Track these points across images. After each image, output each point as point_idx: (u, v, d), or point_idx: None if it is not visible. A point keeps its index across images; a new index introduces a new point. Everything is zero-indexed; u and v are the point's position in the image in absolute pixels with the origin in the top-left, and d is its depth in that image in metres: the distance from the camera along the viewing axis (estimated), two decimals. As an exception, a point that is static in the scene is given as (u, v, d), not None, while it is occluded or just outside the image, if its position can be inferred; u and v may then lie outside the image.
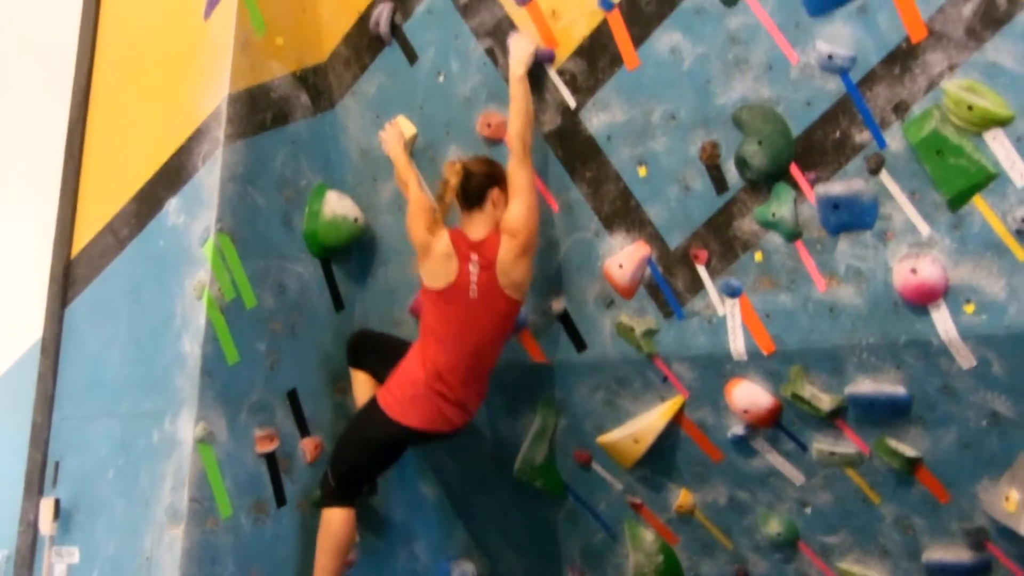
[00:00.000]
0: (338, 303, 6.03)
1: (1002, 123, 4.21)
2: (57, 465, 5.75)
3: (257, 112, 5.68)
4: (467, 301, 5.14)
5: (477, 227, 5.19)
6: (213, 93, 5.59)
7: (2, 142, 6.47)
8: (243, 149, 5.57)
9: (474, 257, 5.13)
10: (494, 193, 5.19)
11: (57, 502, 5.64)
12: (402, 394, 5.24)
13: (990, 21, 4.20)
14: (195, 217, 5.52)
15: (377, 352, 5.72)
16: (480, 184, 5.17)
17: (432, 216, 5.30)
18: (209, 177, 5.51)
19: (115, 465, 5.54)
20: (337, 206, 5.89)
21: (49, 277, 5.97)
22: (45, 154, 6.15)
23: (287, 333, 5.71)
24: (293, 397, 5.71)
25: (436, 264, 5.18)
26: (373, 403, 5.34)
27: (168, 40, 5.92)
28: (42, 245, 6.03)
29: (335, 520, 5.39)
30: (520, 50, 5.27)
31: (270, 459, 5.54)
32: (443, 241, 5.17)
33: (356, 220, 5.92)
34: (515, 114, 5.19)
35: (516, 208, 5.11)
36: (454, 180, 5.17)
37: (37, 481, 5.75)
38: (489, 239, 5.14)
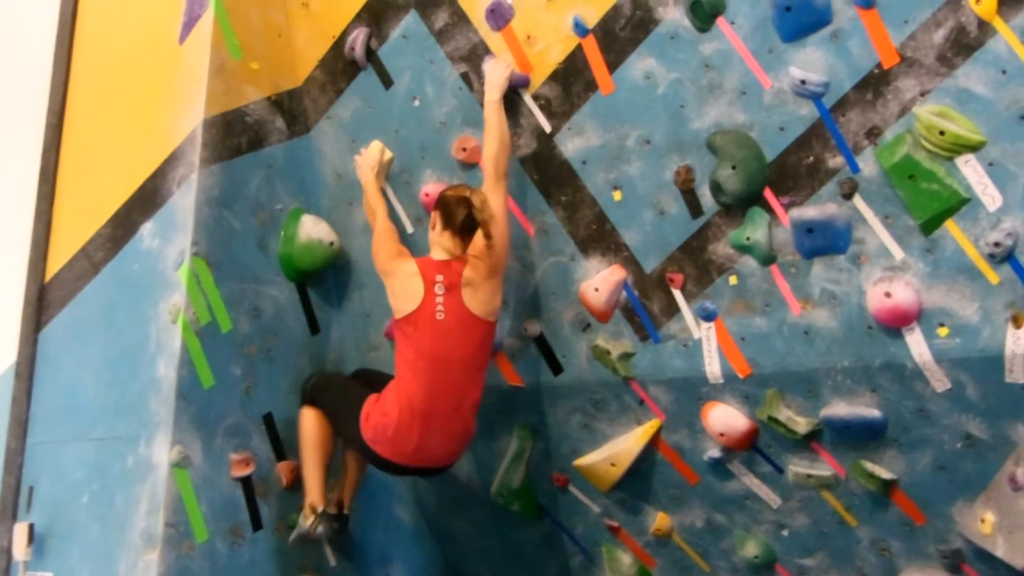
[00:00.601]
0: (314, 327, 6.01)
1: (974, 148, 4.24)
2: (31, 490, 5.73)
3: (232, 136, 5.67)
4: (434, 324, 5.06)
5: (447, 249, 5.15)
6: (188, 117, 5.59)
7: (-26, 167, 6.46)
8: (218, 173, 5.56)
9: (439, 278, 5.08)
10: (468, 236, 5.17)
11: (31, 527, 5.62)
12: (382, 432, 5.14)
13: (961, 47, 4.24)
14: (170, 241, 5.51)
15: (337, 394, 5.67)
16: (480, 210, 5.07)
17: (398, 245, 5.34)
18: (184, 201, 5.49)
19: (90, 489, 5.51)
20: (312, 230, 5.87)
21: (23, 301, 5.96)
22: (19, 177, 6.14)
23: (263, 357, 5.69)
24: (269, 421, 5.69)
25: (400, 285, 5.14)
26: (360, 420, 5.26)
27: (143, 64, 5.92)
28: (16, 268, 6.02)
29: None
30: (495, 75, 5.27)
31: (246, 483, 5.52)
32: (408, 265, 5.14)
33: (331, 244, 5.90)
34: (489, 139, 5.19)
35: (504, 222, 5.13)
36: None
37: (11, 506, 5.73)
38: (454, 261, 5.11)
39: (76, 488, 5.56)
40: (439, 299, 5.06)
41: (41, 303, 5.95)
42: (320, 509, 5.44)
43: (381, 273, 5.33)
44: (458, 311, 5.05)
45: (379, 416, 5.12)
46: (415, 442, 5.07)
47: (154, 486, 5.24)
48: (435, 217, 5.22)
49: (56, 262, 5.96)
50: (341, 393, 5.51)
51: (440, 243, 5.17)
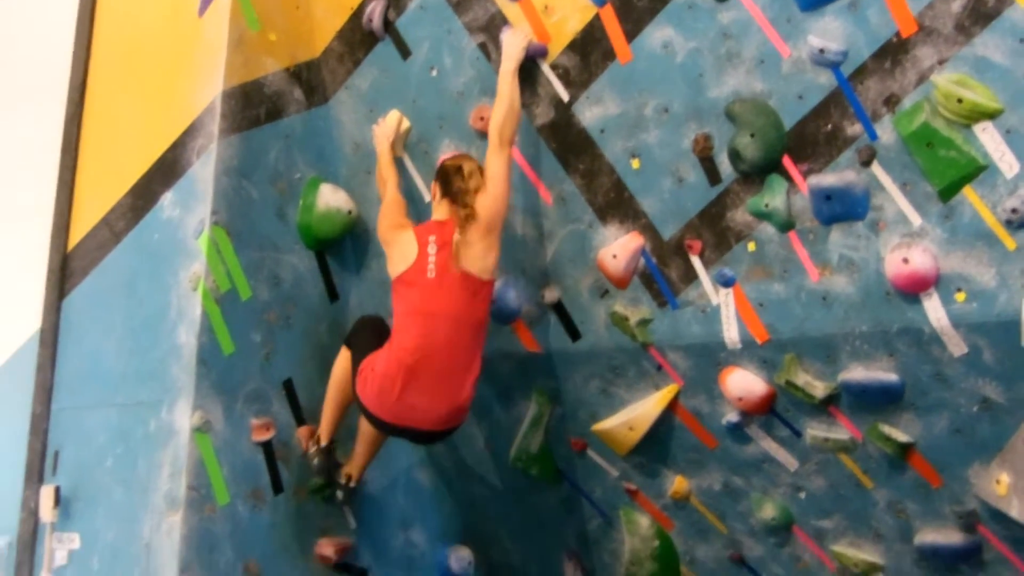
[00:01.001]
0: (332, 294, 6.03)
1: (991, 116, 4.25)
2: (57, 454, 5.75)
3: (251, 107, 5.67)
4: (425, 281, 5.07)
5: (443, 211, 5.18)
6: (207, 89, 5.60)
7: (1, 137, 6.44)
8: (237, 143, 5.57)
9: (432, 238, 5.10)
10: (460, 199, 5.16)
11: (57, 490, 5.64)
12: (370, 387, 5.15)
13: (979, 16, 4.24)
14: (190, 210, 5.52)
15: (361, 340, 5.67)
16: (464, 173, 5.17)
17: (402, 217, 5.39)
18: (204, 171, 5.50)
19: (113, 454, 5.53)
20: (331, 199, 5.88)
21: (47, 269, 5.97)
22: (42, 149, 6.14)
23: (282, 324, 5.71)
24: (289, 387, 5.71)
25: (397, 250, 5.20)
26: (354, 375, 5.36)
27: (163, 36, 5.92)
28: (40, 238, 6.03)
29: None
30: (512, 46, 5.28)
31: (266, 447, 5.55)
32: (406, 233, 5.18)
33: (350, 212, 5.92)
34: (498, 106, 5.20)
35: (484, 195, 5.12)
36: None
37: (37, 469, 5.75)
38: (449, 220, 5.13)
39: (100, 452, 5.58)
40: (431, 257, 5.07)
41: (64, 272, 5.96)
42: (323, 444, 5.55)
43: (382, 242, 5.39)
44: (448, 267, 5.04)
45: (368, 370, 5.16)
46: (395, 396, 5.05)
47: (176, 450, 5.26)
48: (434, 186, 5.29)
49: (78, 232, 5.97)
50: (364, 340, 5.51)
51: (439, 209, 5.22)
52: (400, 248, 5.17)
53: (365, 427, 5.50)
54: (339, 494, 5.56)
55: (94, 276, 5.87)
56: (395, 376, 5.03)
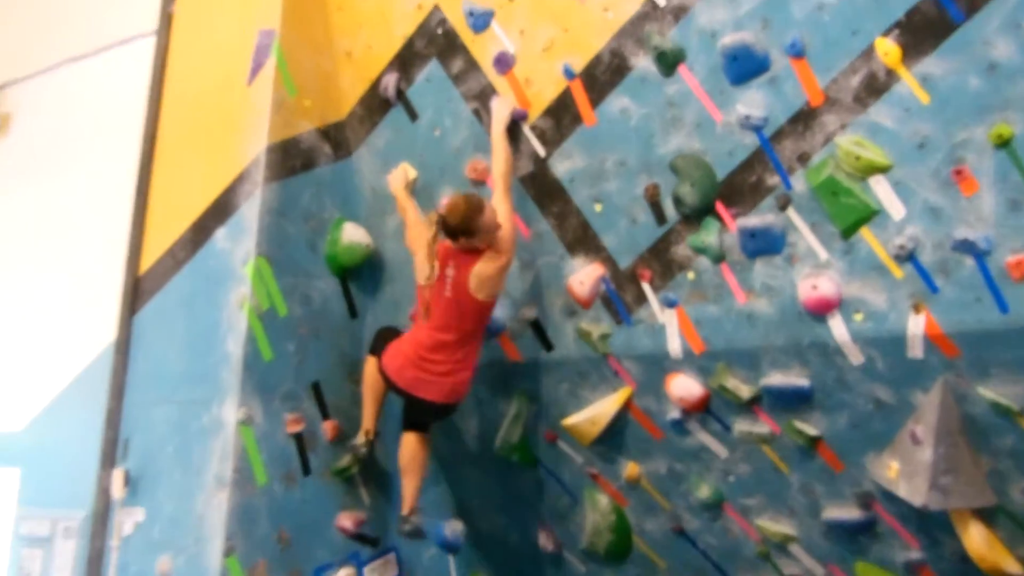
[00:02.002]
0: (353, 312, 6.03)
1: (883, 170, 4.29)
2: (127, 442, 5.70)
3: (289, 159, 5.70)
4: (443, 297, 5.10)
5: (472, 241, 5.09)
6: (254, 144, 5.63)
7: (87, 182, 6.44)
8: (278, 189, 5.60)
9: (452, 263, 5.09)
10: (462, 239, 5.03)
11: (127, 472, 5.60)
12: (394, 362, 5.25)
13: (873, 90, 4.29)
14: (238, 243, 5.55)
15: (382, 341, 5.66)
16: (455, 232, 5.02)
17: (421, 227, 5.37)
18: (250, 211, 5.54)
19: (173, 442, 5.51)
20: (353, 235, 5.90)
21: (121, 291, 5.95)
22: (118, 191, 6.13)
23: (312, 336, 5.71)
24: (316, 388, 5.71)
25: (421, 263, 5.19)
26: (377, 360, 5.45)
27: (218, 100, 5.93)
28: (116, 264, 6.01)
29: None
30: (499, 112, 5.31)
31: (298, 438, 5.55)
32: (430, 247, 5.13)
33: (368, 246, 5.94)
34: (496, 161, 5.21)
35: (501, 240, 5.07)
36: (430, 232, 5.12)
37: (110, 455, 5.69)
38: (470, 253, 5.07)
39: (162, 441, 5.56)
40: (449, 280, 5.08)
41: (136, 292, 5.93)
42: (371, 436, 5.58)
43: (410, 250, 5.43)
44: (463, 292, 5.05)
45: (394, 350, 5.29)
46: (400, 361, 5.20)
47: (224, 440, 5.28)
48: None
49: (148, 260, 5.96)
50: (383, 340, 5.54)
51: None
52: (423, 257, 5.18)
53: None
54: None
55: (160, 296, 5.87)
56: (406, 352, 5.18)
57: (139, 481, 5.63)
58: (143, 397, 5.77)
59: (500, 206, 5.11)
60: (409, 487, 5.47)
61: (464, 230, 4.98)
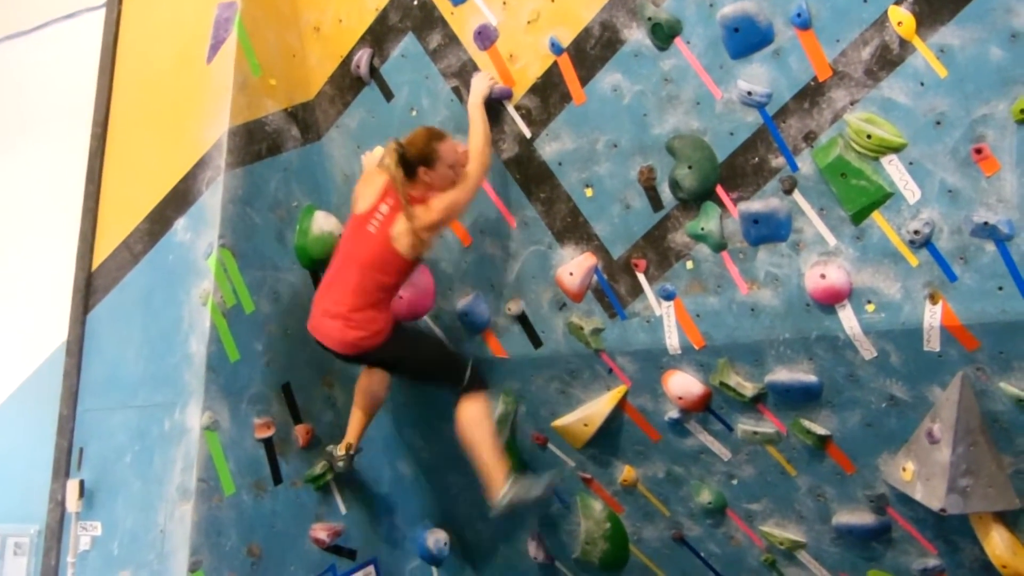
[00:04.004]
0: (325, 308, 5.98)
1: (896, 149, 4.27)
2: (81, 451, 5.69)
3: (253, 143, 5.66)
4: (365, 231, 5.03)
5: (413, 188, 5.04)
6: (215, 127, 5.58)
7: (32, 169, 6.41)
8: (242, 175, 5.55)
9: (389, 201, 5.02)
10: (420, 171, 5.01)
11: (82, 483, 5.58)
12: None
13: (885, 63, 4.26)
14: (200, 234, 5.50)
15: None
16: (411, 162, 5.00)
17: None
18: (212, 199, 5.49)
19: (132, 450, 5.49)
20: (324, 224, 5.86)
21: (73, 287, 5.92)
22: (68, 179, 6.09)
23: (281, 334, 5.67)
24: (287, 390, 5.67)
25: (363, 188, 5.19)
26: None
27: (175, 81, 5.89)
28: (67, 259, 5.97)
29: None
30: (478, 84, 5.26)
31: (267, 444, 5.51)
32: (379, 179, 5.10)
33: (340, 236, 5.89)
34: (473, 135, 5.15)
35: (444, 196, 5.00)
36: (388, 159, 5.05)
37: (64, 465, 5.69)
38: (414, 199, 5.00)
39: (120, 449, 5.53)
40: (379, 216, 5.02)
41: (88, 289, 5.90)
42: (352, 451, 5.48)
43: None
44: (383, 235, 4.98)
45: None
46: (320, 323, 5.12)
47: (188, 447, 5.23)
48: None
49: (101, 253, 5.91)
50: None
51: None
52: (366, 183, 5.19)
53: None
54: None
55: (115, 293, 5.82)
56: (320, 303, 5.15)
57: (96, 493, 5.59)
58: (98, 402, 5.73)
59: (467, 175, 5.06)
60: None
61: (423, 157, 4.98)
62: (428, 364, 5.37)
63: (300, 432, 5.68)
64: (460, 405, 5.22)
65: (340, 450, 5.52)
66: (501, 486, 5.08)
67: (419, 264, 5.22)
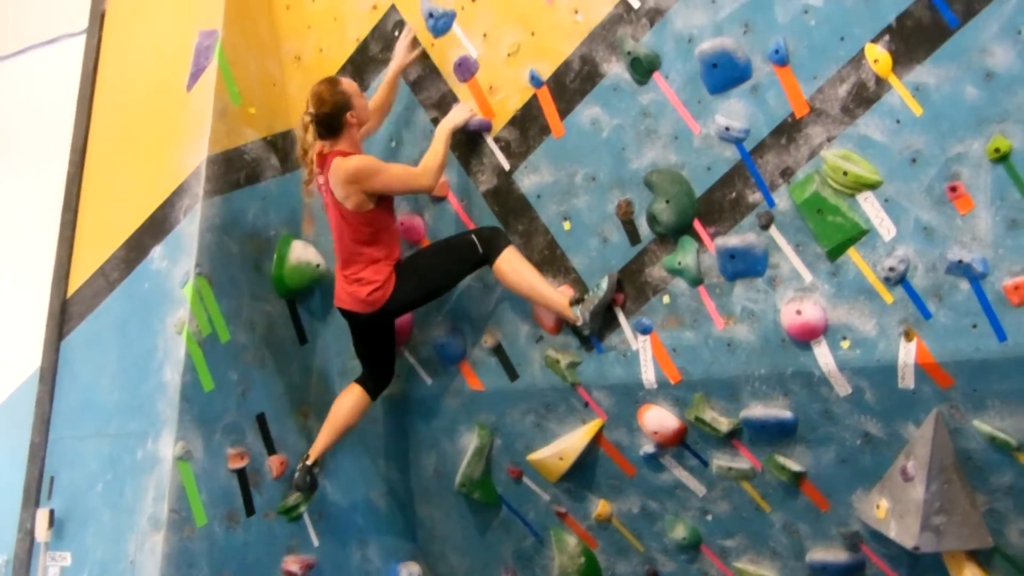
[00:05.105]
0: (302, 338, 5.99)
1: (872, 187, 4.28)
2: (52, 479, 5.68)
3: (232, 172, 5.67)
4: (327, 203, 5.17)
5: (338, 145, 5.11)
6: (194, 155, 5.60)
7: (9, 194, 6.42)
8: (220, 204, 5.56)
9: (322, 169, 5.10)
10: (346, 116, 5.06)
11: (52, 512, 5.57)
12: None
13: (862, 100, 4.29)
14: (176, 262, 5.50)
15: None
16: (332, 114, 5.05)
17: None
18: (189, 228, 5.49)
19: (103, 479, 5.48)
20: (301, 254, 5.87)
21: (47, 314, 5.91)
22: (45, 205, 6.10)
23: (257, 364, 5.68)
24: (262, 420, 5.67)
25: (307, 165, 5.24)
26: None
27: (155, 107, 5.91)
28: (42, 285, 5.97)
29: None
30: (456, 113, 5.30)
31: (240, 474, 5.50)
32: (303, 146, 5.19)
33: (318, 266, 5.90)
34: (430, 151, 5.15)
35: (366, 156, 5.12)
36: (307, 119, 5.08)
37: (34, 493, 5.68)
38: (332, 155, 5.06)
39: (92, 478, 5.52)
40: (324, 185, 5.13)
41: (63, 316, 5.91)
42: (308, 462, 5.38)
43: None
44: (333, 198, 5.09)
45: None
46: (340, 288, 5.24)
47: (160, 477, 5.22)
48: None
49: (77, 280, 5.92)
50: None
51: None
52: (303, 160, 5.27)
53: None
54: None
55: (90, 320, 5.82)
56: (337, 272, 5.29)
57: (66, 522, 5.58)
58: (71, 430, 5.73)
59: (407, 168, 5.17)
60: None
61: (340, 105, 5.05)
62: (445, 274, 5.31)
63: (274, 463, 5.66)
64: (495, 270, 5.19)
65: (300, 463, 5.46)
66: (572, 314, 5.05)
67: (387, 211, 5.21)
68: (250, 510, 5.52)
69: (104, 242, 5.87)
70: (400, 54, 5.45)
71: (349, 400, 5.46)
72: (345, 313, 5.29)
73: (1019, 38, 3.93)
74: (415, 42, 5.48)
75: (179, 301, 5.41)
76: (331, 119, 5.06)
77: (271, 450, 5.69)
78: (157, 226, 5.66)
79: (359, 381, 5.50)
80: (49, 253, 6.00)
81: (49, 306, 5.93)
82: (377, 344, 5.45)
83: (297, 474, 5.40)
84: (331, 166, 5.01)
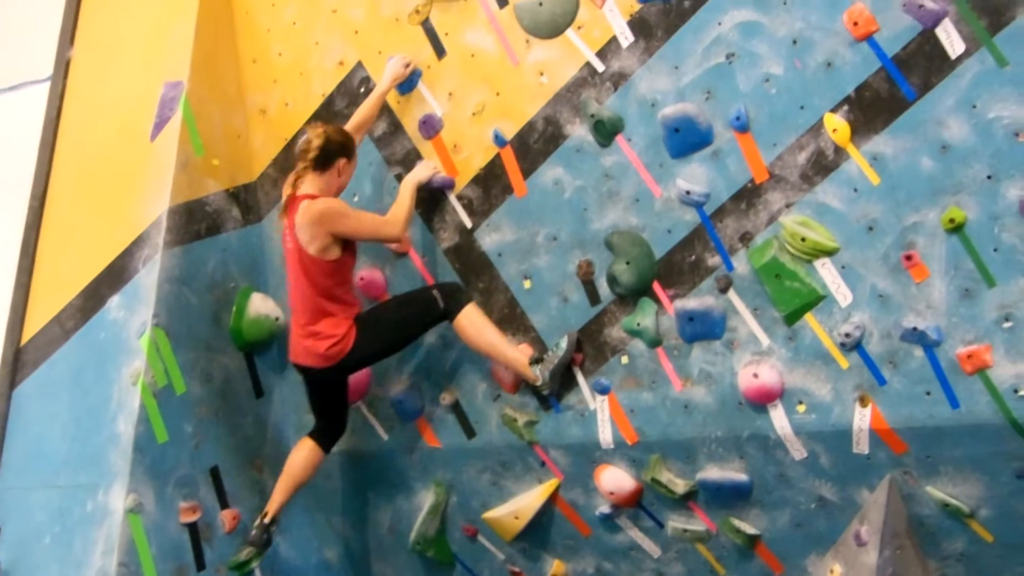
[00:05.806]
0: (258, 391, 5.95)
1: (829, 253, 4.36)
2: (-1, 530, 5.59)
3: (193, 223, 5.65)
4: (287, 252, 5.14)
5: (309, 186, 5.09)
6: (155, 205, 5.56)
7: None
8: (180, 255, 5.53)
9: (291, 209, 5.08)
10: (341, 162, 5.11)
11: (-3, 564, 5.48)
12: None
13: (820, 168, 4.38)
14: (134, 313, 5.45)
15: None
16: (334, 151, 5.08)
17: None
18: (148, 278, 5.45)
19: (52, 532, 5.37)
20: (261, 306, 5.85)
21: (0, 361, 5.84)
22: (3, 250, 6.03)
23: (212, 416, 5.62)
24: (215, 473, 5.60)
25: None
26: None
27: (117, 156, 5.87)
28: (-5, 332, 5.91)
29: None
30: (419, 169, 5.34)
31: (192, 528, 5.42)
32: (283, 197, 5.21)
33: (277, 319, 5.88)
34: (396, 204, 5.18)
35: (334, 199, 5.09)
36: (317, 141, 5.07)
37: (-20, 545, 5.58)
38: (301, 198, 5.05)
39: (40, 530, 5.41)
40: (287, 230, 5.11)
41: (16, 363, 5.83)
42: (266, 520, 5.34)
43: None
44: (295, 243, 5.05)
45: None
46: (295, 343, 5.19)
47: (110, 530, 5.12)
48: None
49: (32, 328, 5.84)
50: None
51: (306, 182, 5.15)
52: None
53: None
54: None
55: (44, 368, 5.75)
56: (293, 327, 5.23)
57: (12, 575, 5.44)
58: (19, 481, 5.62)
59: (373, 217, 5.15)
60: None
61: (346, 148, 5.13)
62: (406, 328, 5.28)
63: (226, 517, 5.60)
64: (455, 326, 5.17)
65: (256, 520, 5.41)
66: (531, 373, 5.06)
67: (349, 263, 5.20)
68: (200, 565, 5.43)
69: (61, 290, 5.81)
70: (395, 68, 5.44)
71: (303, 454, 5.43)
72: (300, 368, 5.27)
73: (974, 112, 4.04)
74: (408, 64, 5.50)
75: (135, 352, 5.35)
76: (334, 154, 5.08)
77: (224, 504, 5.62)
78: (115, 275, 5.61)
79: (312, 435, 5.46)
80: (4, 299, 5.93)
81: (2, 354, 5.84)
82: (332, 398, 5.43)
83: (255, 531, 5.36)
84: (299, 208, 5.01)
